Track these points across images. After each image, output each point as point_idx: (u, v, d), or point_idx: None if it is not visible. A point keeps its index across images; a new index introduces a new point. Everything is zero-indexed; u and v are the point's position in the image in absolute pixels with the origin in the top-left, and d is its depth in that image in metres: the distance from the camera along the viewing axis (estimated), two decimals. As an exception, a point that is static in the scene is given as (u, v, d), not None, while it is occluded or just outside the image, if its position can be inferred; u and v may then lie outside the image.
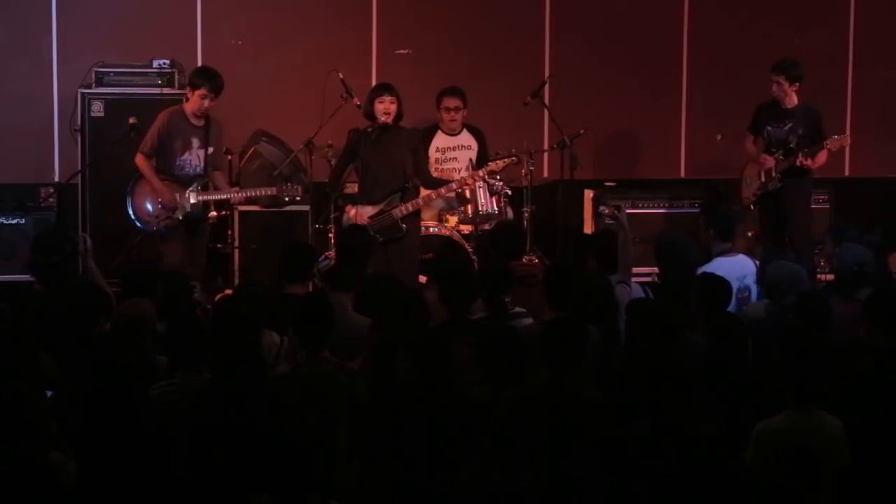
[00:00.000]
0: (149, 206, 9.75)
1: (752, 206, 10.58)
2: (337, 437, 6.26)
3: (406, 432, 6.14)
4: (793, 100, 10.34)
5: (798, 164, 10.07)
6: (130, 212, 9.77)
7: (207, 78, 9.72)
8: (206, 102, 9.70)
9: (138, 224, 9.77)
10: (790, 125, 10.27)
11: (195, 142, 9.77)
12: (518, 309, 7.67)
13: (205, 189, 9.76)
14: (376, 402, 6.45)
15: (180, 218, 9.69)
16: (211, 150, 9.80)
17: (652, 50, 12.36)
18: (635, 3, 12.36)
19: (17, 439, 5.63)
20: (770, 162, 10.27)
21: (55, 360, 6.83)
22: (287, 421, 6.27)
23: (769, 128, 10.36)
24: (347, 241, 8.94)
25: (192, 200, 9.70)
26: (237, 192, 9.94)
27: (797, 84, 10.31)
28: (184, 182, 9.73)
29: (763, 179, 10.37)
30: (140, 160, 9.78)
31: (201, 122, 9.79)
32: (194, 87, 9.73)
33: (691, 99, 12.47)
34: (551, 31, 12.25)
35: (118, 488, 6.06)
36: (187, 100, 9.84)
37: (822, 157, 10.19)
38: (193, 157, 9.79)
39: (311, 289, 8.52)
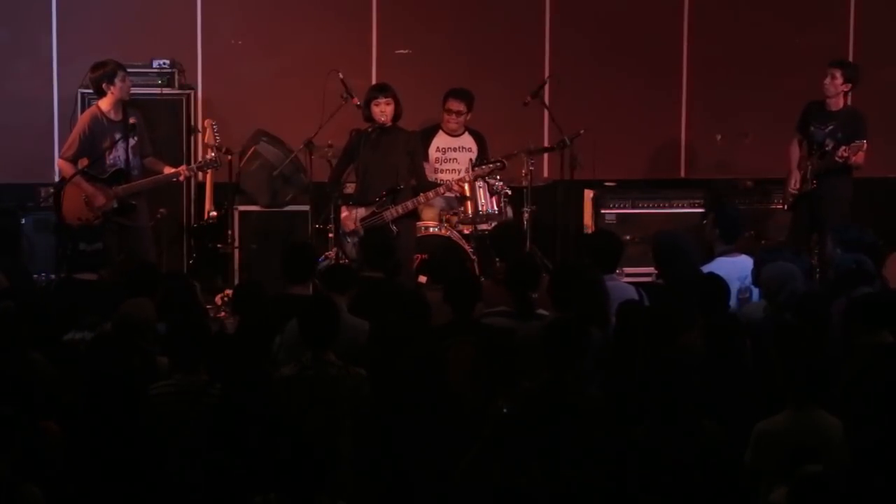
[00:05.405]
0: (80, 208, 9.81)
1: (785, 206, 10.64)
2: (341, 440, 6.27)
3: (404, 431, 6.15)
4: (839, 102, 10.37)
5: (838, 157, 10.10)
6: (63, 220, 9.76)
7: (116, 63, 9.91)
8: (129, 81, 9.93)
9: (75, 225, 9.74)
10: (831, 127, 10.30)
11: (118, 136, 9.89)
12: (541, 311, 7.65)
13: (127, 182, 9.87)
14: (375, 400, 6.46)
15: (111, 211, 9.84)
16: (135, 139, 9.92)
17: (652, 50, 12.35)
18: (635, 3, 12.35)
19: None
20: (795, 186, 10.38)
21: (46, 358, 6.84)
22: (293, 422, 6.29)
23: (812, 128, 10.40)
24: (374, 243, 8.84)
25: (119, 196, 9.85)
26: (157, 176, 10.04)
27: (849, 85, 10.35)
28: (107, 180, 9.88)
29: (800, 182, 10.42)
30: (64, 166, 9.94)
31: (119, 116, 9.91)
32: (111, 78, 9.86)
33: (691, 99, 12.47)
34: (551, 31, 12.25)
35: (117, 487, 6.07)
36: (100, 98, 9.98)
37: (860, 154, 10.20)
38: (120, 153, 9.91)
39: (311, 289, 8.51)
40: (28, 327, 6.90)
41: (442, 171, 10.72)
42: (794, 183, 10.43)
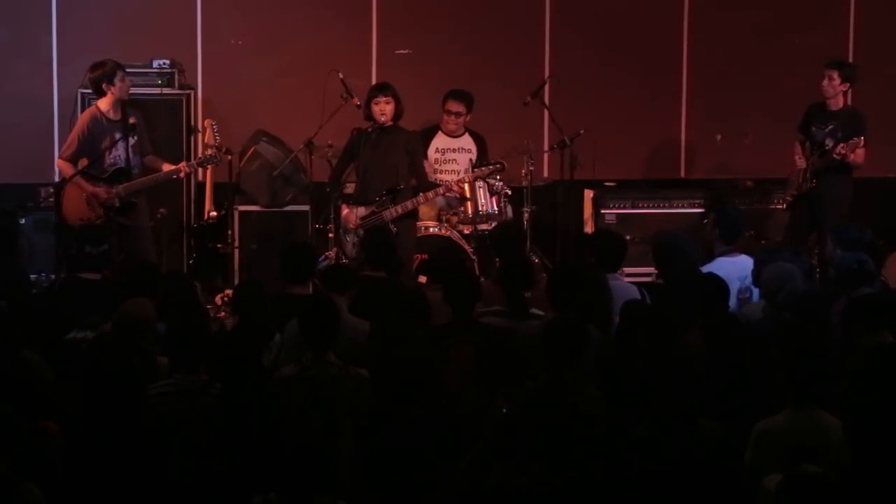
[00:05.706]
0: (81, 207, 9.85)
1: (784, 206, 10.66)
2: (341, 440, 6.27)
3: (404, 431, 6.15)
4: (838, 102, 10.40)
5: (836, 154, 10.12)
6: (64, 220, 9.81)
7: (115, 63, 9.95)
8: (128, 81, 9.98)
9: (77, 225, 9.76)
10: (831, 127, 10.32)
11: (118, 136, 9.94)
12: (535, 311, 7.65)
13: (128, 180, 9.92)
14: (375, 401, 6.46)
15: (112, 210, 9.89)
16: (134, 139, 9.97)
17: (652, 50, 12.35)
18: (635, 3, 12.35)
19: None
20: (802, 164, 10.38)
21: (46, 358, 6.85)
22: (293, 422, 6.29)
23: (814, 128, 10.42)
24: (376, 242, 8.83)
25: (121, 195, 9.92)
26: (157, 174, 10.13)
27: (847, 85, 10.38)
28: (108, 179, 9.94)
29: (800, 180, 10.43)
30: (63, 166, 10.01)
31: (118, 116, 9.97)
32: (110, 78, 9.91)
33: (691, 99, 12.47)
34: (551, 31, 12.25)
35: (117, 487, 6.07)
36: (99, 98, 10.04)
37: (859, 153, 10.21)
38: (120, 152, 9.97)
39: (311, 289, 8.51)
40: (21, 327, 6.91)
41: (441, 171, 10.74)
42: (800, 160, 10.42)
